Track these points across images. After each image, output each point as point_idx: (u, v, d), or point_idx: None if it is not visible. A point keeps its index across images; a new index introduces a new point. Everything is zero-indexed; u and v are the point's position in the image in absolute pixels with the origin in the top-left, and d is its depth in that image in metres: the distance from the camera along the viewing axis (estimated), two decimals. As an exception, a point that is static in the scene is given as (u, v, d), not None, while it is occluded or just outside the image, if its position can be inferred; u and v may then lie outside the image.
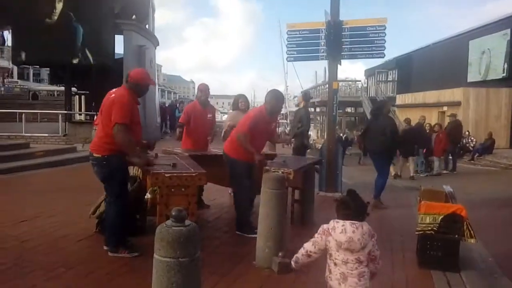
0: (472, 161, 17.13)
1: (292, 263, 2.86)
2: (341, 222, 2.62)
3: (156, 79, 25.68)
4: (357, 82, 36.18)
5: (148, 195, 4.58)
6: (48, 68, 25.17)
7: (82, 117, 17.85)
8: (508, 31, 20.59)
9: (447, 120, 16.38)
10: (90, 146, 4.51)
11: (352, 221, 2.60)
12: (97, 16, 15.66)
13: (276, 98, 5.40)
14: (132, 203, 4.70)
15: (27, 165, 10.00)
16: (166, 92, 69.24)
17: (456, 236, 4.32)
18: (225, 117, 21.70)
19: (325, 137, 10.00)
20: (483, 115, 20.32)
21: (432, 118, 19.89)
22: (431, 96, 23.44)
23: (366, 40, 8.26)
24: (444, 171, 13.58)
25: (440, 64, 26.06)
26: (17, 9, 15.53)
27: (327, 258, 2.69)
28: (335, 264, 2.62)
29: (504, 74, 20.81)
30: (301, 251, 2.77)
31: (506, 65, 20.72)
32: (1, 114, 17.80)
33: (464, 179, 12.40)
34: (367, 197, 6.76)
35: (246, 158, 5.23)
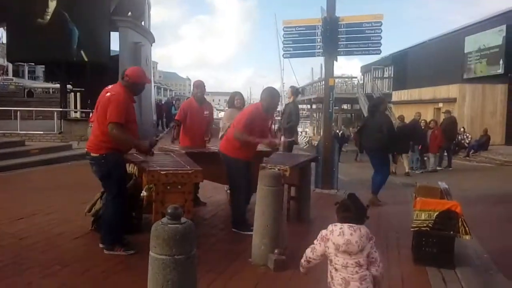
0: (468, 158, 17.19)
1: (300, 268, 2.91)
2: (339, 225, 2.65)
3: (152, 76, 25.61)
4: (353, 79, 36.28)
5: (144, 193, 4.59)
6: (43, 66, 25.05)
7: (78, 115, 17.80)
8: (504, 27, 20.62)
9: (442, 117, 16.42)
10: (87, 145, 4.49)
11: (350, 224, 2.63)
12: (92, 13, 15.56)
13: (271, 96, 5.40)
14: (128, 200, 4.69)
15: (22, 163, 9.96)
16: (162, 89, 69.17)
17: (451, 232, 4.33)
18: (221, 114, 21.69)
19: (321, 134, 10.00)
20: (478, 111, 20.38)
21: (427, 114, 19.94)
22: (427, 92, 23.49)
23: (362, 37, 8.25)
24: (439, 168, 13.62)
25: (436, 61, 26.10)
26: (10, 7, 15.43)
27: (328, 264, 2.72)
28: (336, 269, 2.65)
29: (500, 71, 20.86)
30: (303, 257, 2.83)
31: (501, 62, 20.78)
32: (-4, 111, 17.70)
33: (459, 175, 12.44)
34: (364, 194, 6.82)
35: (243, 156, 5.24)
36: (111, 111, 4.18)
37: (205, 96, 6.73)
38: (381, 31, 8.13)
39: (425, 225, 4.39)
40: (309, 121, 44.72)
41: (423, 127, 13.90)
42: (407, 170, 12.35)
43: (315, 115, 39.73)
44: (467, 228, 4.30)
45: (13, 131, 13.67)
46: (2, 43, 33.86)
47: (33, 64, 38.22)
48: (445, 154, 14.33)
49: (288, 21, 8.78)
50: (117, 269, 4.01)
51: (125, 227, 4.62)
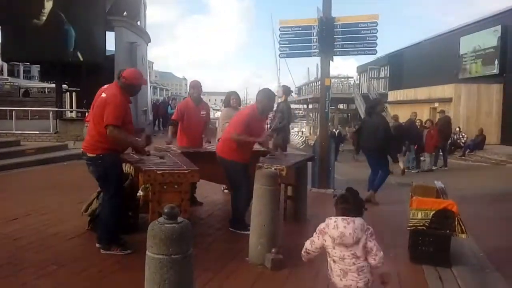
0: (463, 157, 17.26)
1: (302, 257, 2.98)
2: (333, 218, 2.73)
3: (148, 76, 25.56)
4: (350, 79, 36.29)
5: (140, 193, 4.57)
6: (38, 65, 24.95)
7: (73, 114, 17.72)
8: (499, 27, 20.70)
9: (437, 117, 16.48)
10: (83, 146, 4.47)
11: (344, 217, 2.70)
12: (87, 13, 15.49)
13: (268, 97, 5.40)
14: (125, 200, 4.68)
15: (18, 163, 9.91)
16: (158, 89, 69.02)
17: (448, 231, 4.35)
18: (218, 114, 21.68)
19: (318, 133, 10.01)
20: (474, 111, 20.46)
21: (423, 114, 20.00)
22: (422, 92, 23.56)
23: (358, 37, 8.27)
24: (435, 167, 13.66)
25: (432, 61, 26.18)
26: (6, 7, 15.34)
27: (327, 256, 2.79)
28: (334, 261, 2.73)
29: (495, 71, 20.93)
30: (303, 249, 2.90)
31: (497, 62, 20.86)
32: (-9, 111, 17.63)
33: (455, 175, 12.49)
34: (361, 193, 6.83)
35: (240, 159, 5.24)
36: (109, 113, 4.17)
37: (202, 96, 6.72)
38: (377, 31, 8.16)
39: (421, 224, 4.40)
40: (305, 121, 44.77)
41: (418, 127, 13.95)
42: (402, 168, 12.32)
43: (311, 115, 39.73)
44: (463, 227, 4.32)
45: (9, 131, 13.60)
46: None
47: (28, 63, 38.05)
48: (441, 153, 14.38)
49: (284, 21, 8.79)
50: (113, 269, 4.00)
51: (122, 227, 4.61)
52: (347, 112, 37.63)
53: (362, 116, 25.12)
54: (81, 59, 15.28)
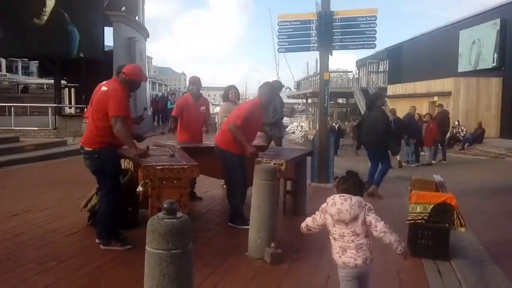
0: (462, 151, 17.28)
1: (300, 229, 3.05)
2: (331, 196, 2.83)
3: (147, 72, 25.50)
4: (349, 73, 36.27)
5: (140, 188, 4.58)
6: (37, 61, 24.89)
7: (72, 110, 17.68)
8: (498, 21, 20.67)
9: (436, 111, 16.48)
10: (81, 140, 4.47)
11: (341, 194, 2.80)
12: (86, 8, 15.45)
13: (271, 91, 5.41)
14: (124, 196, 4.68)
15: (17, 159, 9.91)
16: (157, 84, 68.91)
17: (447, 225, 4.36)
18: (217, 109, 21.66)
19: (317, 128, 10.00)
20: (473, 104, 20.46)
21: (422, 108, 20.00)
22: (421, 86, 23.54)
23: (357, 31, 8.25)
24: (434, 161, 13.67)
25: (431, 55, 26.16)
26: (6, 6, 15.29)
27: (328, 234, 2.87)
28: (334, 239, 2.81)
29: (494, 64, 20.92)
30: (304, 223, 2.99)
31: (496, 55, 20.83)
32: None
33: (454, 168, 12.49)
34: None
35: (238, 151, 5.23)
36: (114, 105, 4.18)
37: (201, 92, 6.71)
38: (376, 25, 8.13)
39: (420, 217, 4.41)
40: (304, 116, 44.75)
41: (417, 121, 13.94)
42: (398, 159, 12.29)
43: (310, 109, 39.71)
44: (462, 221, 4.33)
45: (8, 127, 13.60)
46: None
47: (26, 59, 37.96)
48: (440, 147, 14.38)
49: (283, 16, 8.76)
50: (113, 264, 4.00)
51: (121, 222, 4.62)
52: (346, 106, 37.60)
53: (362, 110, 25.18)
54: (81, 55, 15.26)
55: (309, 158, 7.30)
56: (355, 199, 2.76)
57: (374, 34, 8.15)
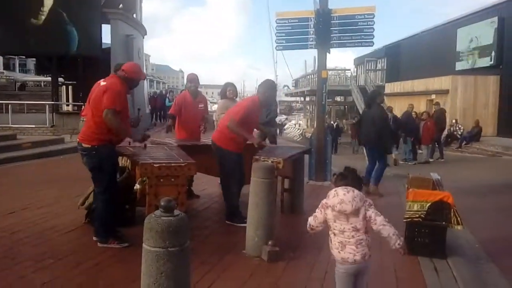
0: (460, 149, 17.31)
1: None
2: (333, 189, 2.84)
3: (145, 69, 25.46)
4: (347, 71, 36.28)
5: (137, 186, 4.57)
6: (34, 59, 24.81)
7: (70, 108, 17.65)
8: (496, 19, 20.68)
9: (433, 109, 16.51)
10: (79, 136, 4.46)
11: (343, 186, 2.81)
12: (83, 5, 15.41)
13: (271, 89, 5.39)
14: (122, 193, 4.68)
15: (14, 157, 9.89)
16: (155, 82, 68.78)
17: (443, 223, 4.37)
18: (215, 107, 21.64)
19: (315, 126, 10.01)
20: (471, 103, 20.49)
21: (420, 106, 20.02)
22: (419, 84, 23.56)
23: (355, 29, 8.25)
24: (431, 159, 13.69)
25: (429, 53, 26.16)
26: (3, 6, 15.23)
27: (329, 230, 2.88)
28: (334, 234, 2.82)
29: (492, 62, 20.94)
30: (307, 224, 2.98)
31: (493, 53, 20.85)
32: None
33: (451, 166, 12.52)
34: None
35: (235, 148, 5.22)
36: (107, 98, 4.17)
37: (199, 89, 6.71)
38: (374, 23, 8.13)
39: (417, 215, 4.42)
40: (302, 114, 44.75)
41: (415, 119, 13.96)
42: (394, 157, 12.30)
43: (308, 107, 39.74)
44: (459, 219, 4.34)
45: (5, 125, 13.53)
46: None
47: (24, 57, 37.83)
48: (437, 145, 14.40)
49: (281, 13, 8.75)
50: (110, 262, 4.01)
51: (119, 220, 4.62)
52: (344, 104, 37.62)
53: (359, 108, 25.20)
54: (80, 53, 15.24)
55: (306, 156, 7.31)
56: (357, 192, 2.79)
57: (372, 32, 8.15)
